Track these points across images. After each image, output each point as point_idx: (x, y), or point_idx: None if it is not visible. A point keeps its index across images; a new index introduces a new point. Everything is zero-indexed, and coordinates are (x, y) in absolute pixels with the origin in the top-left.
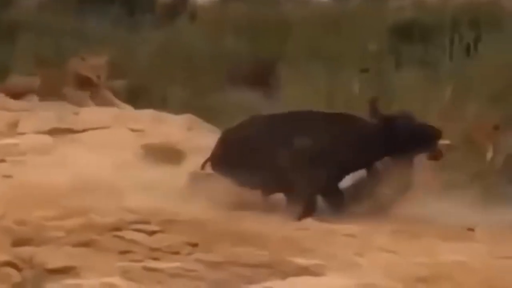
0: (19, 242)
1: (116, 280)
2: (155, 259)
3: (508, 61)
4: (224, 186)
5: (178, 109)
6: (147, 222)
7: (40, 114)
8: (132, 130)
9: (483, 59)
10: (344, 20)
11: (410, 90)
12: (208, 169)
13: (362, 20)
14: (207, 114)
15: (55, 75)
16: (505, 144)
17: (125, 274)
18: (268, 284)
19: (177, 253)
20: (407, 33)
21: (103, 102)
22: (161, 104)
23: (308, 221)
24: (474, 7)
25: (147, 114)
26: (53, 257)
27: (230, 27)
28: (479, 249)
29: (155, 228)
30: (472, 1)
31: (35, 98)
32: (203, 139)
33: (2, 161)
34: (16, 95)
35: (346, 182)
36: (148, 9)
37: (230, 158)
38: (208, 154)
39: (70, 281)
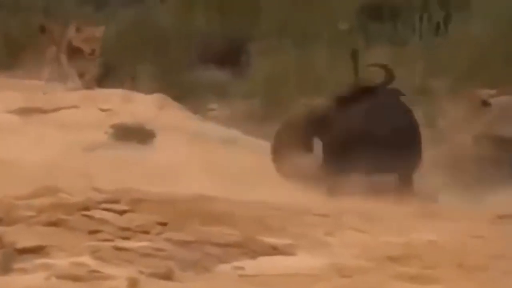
0: None
1: (85, 259)
2: (125, 238)
3: (477, 40)
4: None
5: (148, 88)
6: (116, 202)
7: (9, 94)
8: (102, 109)
9: (452, 38)
10: None
11: (379, 69)
12: None
13: None
14: (177, 93)
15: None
16: (473, 124)
17: (95, 253)
18: (238, 263)
19: (147, 232)
20: (377, 11)
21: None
22: (131, 83)
23: (279, 201)
24: None
25: (116, 93)
26: (23, 237)
27: (200, 5)
28: (450, 228)
29: (125, 207)
30: None
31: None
32: (173, 118)
33: None
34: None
35: None
36: None
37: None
38: (179, 133)
39: (40, 260)
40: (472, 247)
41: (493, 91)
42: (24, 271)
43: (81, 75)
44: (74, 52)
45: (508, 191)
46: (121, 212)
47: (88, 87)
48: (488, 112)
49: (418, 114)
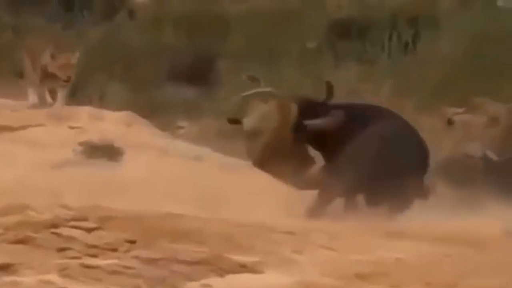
0: None
1: (53, 277)
2: (92, 256)
3: (445, 58)
4: None
5: (117, 106)
6: (84, 219)
7: None
8: (70, 127)
9: (421, 56)
10: (283, 17)
11: (348, 87)
12: None
13: (301, 17)
14: (146, 111)
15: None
16: (441, 142)
17: (63, 271)
18: (206, 281)
19: (115, 250)
20: (346, 30)
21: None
22: (100, 100)
23: (247, 218)
24: (412, 5)
25: (85, 111)
26: None
27: (169, 23)
28: (418, 247)
29: (93, 225)
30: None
31: None
32: (142, 135)
33: None
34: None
35: None
36: (86, 5)
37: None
38: (148, 151)
39: (8, 278)
40: (439, 265)
41: (460, 109)
42: None
43: (51, 93)
44: (47, 76)
45: (477, 210)
46: (89, 230)
47: (57, 105)
48: (453, 130)
49: None
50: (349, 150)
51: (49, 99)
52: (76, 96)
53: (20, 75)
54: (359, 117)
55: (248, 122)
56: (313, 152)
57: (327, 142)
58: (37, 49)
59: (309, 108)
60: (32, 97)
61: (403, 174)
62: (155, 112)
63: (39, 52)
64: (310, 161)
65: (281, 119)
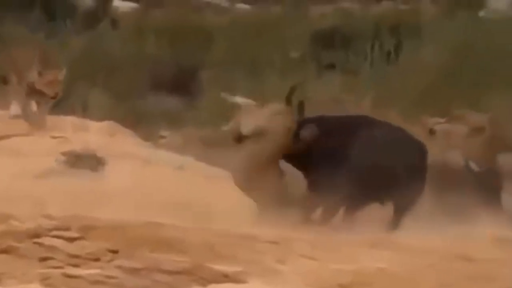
0: None
1: (36, 286)
2: (75, 265)
3: (427, 68)
4: None
5: (99, 115)
6: (67, 229)
7: None
8: (53, 137)
9: (403, 66)
10: (266, 27)
11: (331, 96)
12: None
13: (284, 27)
14: (128, 120)
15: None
16: None
17: (45, 280)
18: None
19: (97, 259)
20: (329, 40)
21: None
22: (82, 110)
23: (229, 228)
24: (395, 15)
25: (68, 121)
26: None
27: (152, 34)
28: (400, 257)
29: (75, 234)
30: (392, 9)
31: None
32: (124, 145)
33: None
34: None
35: None
36: (68, 15)
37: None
38: (130, 160)
39: None
40: (422, 275)
41: (442, 119)
42: None
43: (36, 103)
44: (35, 93)
45: (459, 220)
46: (72, 239)
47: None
48: (435, 140)
49: None
50: (339, 162)
51: (34, 108)
52: (59, 106)
53: (4, 81)
54: (339, 128)
55: (249, 124)
56: (284, 166)
57: (306, 157)
58: (22, 62)
59: None
60: (15, 109)
61: (401, 177)
62: (138, 122)
63: (25, 66)
64: (281, 175)
65: (291, 120)
